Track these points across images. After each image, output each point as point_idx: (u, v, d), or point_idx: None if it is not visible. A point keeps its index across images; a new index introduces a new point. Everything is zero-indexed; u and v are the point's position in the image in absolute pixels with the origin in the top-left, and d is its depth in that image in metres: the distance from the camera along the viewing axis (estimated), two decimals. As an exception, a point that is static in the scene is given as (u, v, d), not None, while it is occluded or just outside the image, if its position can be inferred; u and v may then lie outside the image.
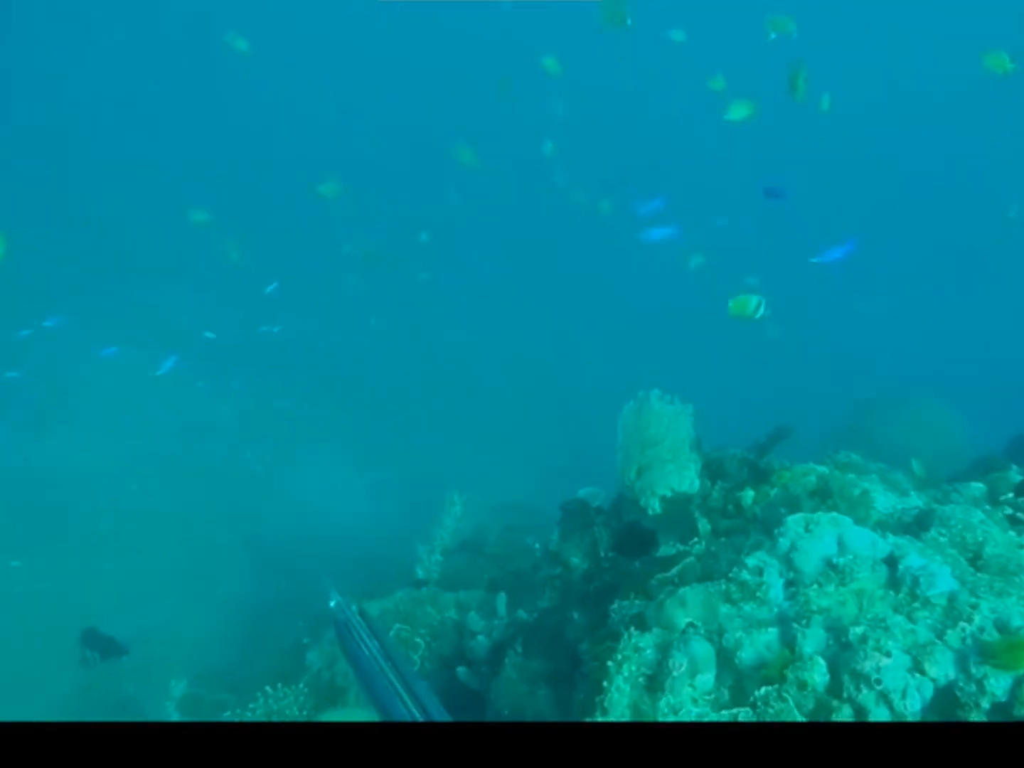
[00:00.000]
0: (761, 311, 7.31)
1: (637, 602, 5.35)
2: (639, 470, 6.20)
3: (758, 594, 4.73)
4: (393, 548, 12.69)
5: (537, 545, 10.49)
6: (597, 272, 22.71)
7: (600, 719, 3.93)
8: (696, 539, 6.34)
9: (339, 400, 19.94)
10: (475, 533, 11.38)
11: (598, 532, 6.38)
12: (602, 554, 6.26)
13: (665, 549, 5.92)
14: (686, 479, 6.31)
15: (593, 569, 6.23)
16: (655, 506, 6.17)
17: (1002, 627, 3.72)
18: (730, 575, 4.93)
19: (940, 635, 3.84)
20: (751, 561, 5.00)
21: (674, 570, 5.90)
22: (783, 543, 5.36)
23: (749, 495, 6.65)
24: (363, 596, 9.06)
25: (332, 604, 3.17)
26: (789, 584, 4.74)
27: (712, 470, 7.12)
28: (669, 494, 6.55)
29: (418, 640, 6.27)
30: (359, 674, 2.93)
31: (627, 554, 5.98)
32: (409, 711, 2.66)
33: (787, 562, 5.23)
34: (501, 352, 22.91)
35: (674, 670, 4.06)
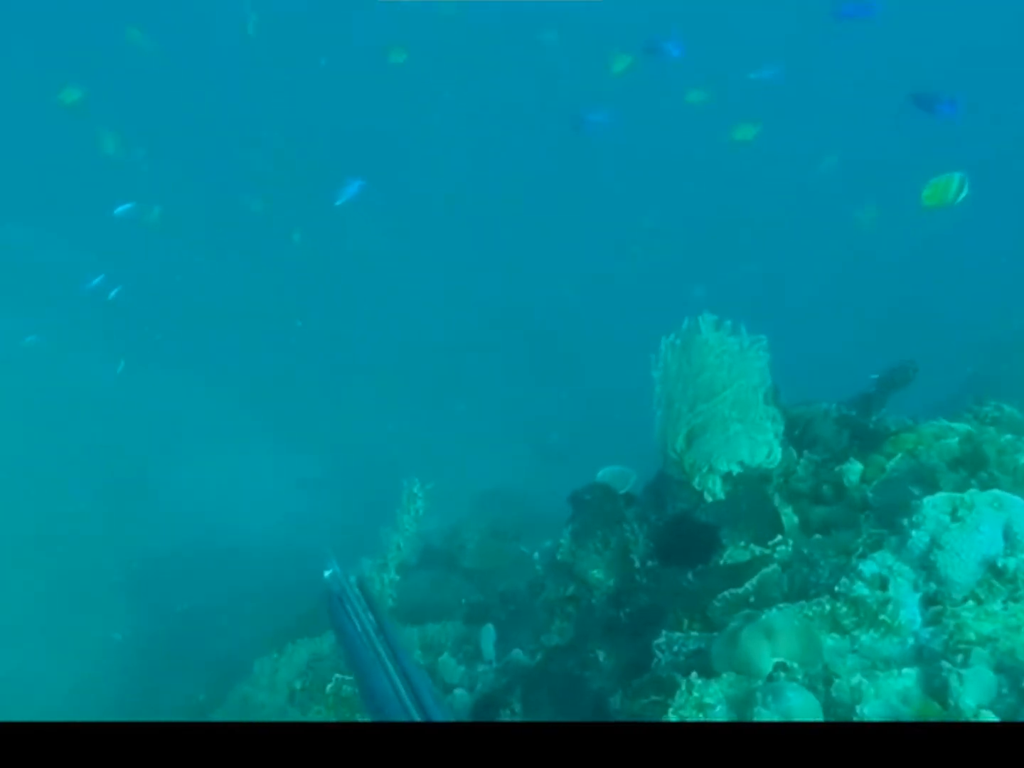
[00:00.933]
0: (965, 192, 7.28)
1: (695, 633, 5.26)
2: (689, 436, 6.07)
3: (883, 617, 4.47)
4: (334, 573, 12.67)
5: (537, 554, 10.49)
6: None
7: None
8: (780, 537, 5.99)
9: (261, 376, 20.66)
10: (446, 539, 11.04)
11: (630, 531, 6.27)
12: (637, 563, 6.12)
13: (733, 553, 5.82)
14: (762, 447, 6.16)
15: (625, 586, 6.13)
16: (715, 489, 6.05)
17: None
18: (837, 589, 4.70)
19: None
20: (868, 567, 4.74)
21: (749, 584, 5.59)
22: (917, 538, 4.94)
23: (855, 469, 6.28)
24: (285, 635, 9.39)
25: (327, 574, 3.51)
26: (929, 601, 4.55)
27: (795, 435, 6.84)
28: (736, 470, 6.19)
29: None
30: (350, 657, 3.24)
31: (676, 562, 5.88)
32: (404, 705, 2.86)
33: (925, 567, 4.83)
34: (473, 309, 24.53)
35: (761, 738, 3.41)
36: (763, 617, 4.65)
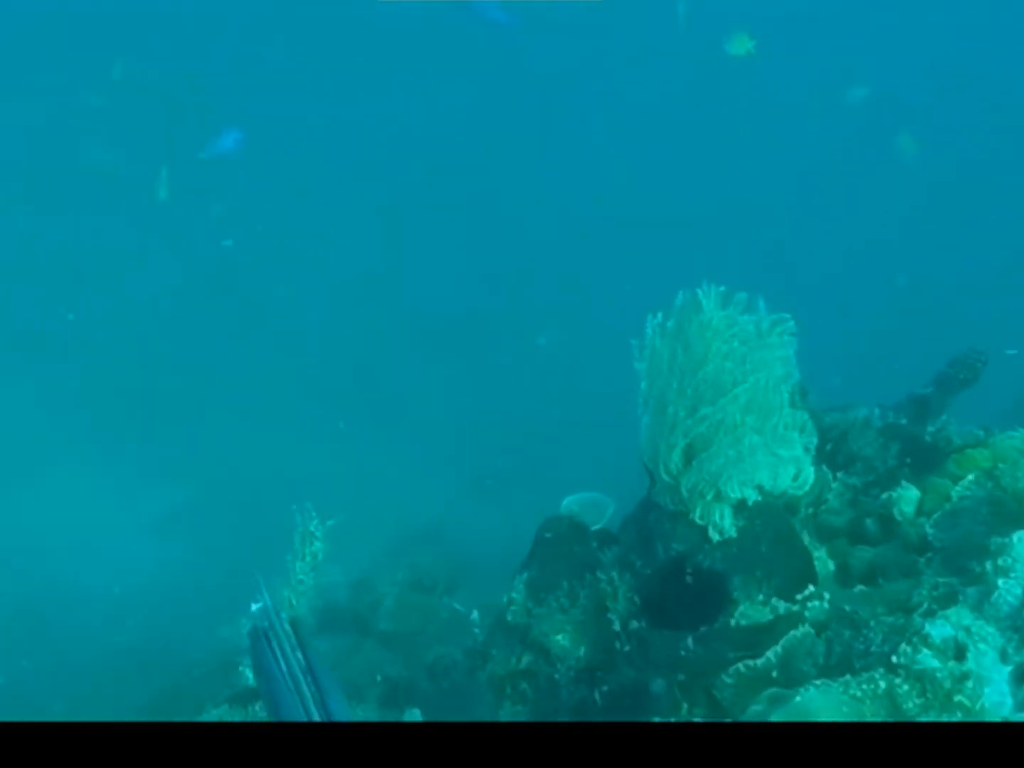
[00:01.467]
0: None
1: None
2: (688, 450, 5.86)
3: (959, 698, 4.31)
4: (199, 628, 12.85)
5: (475, 613, 10.33)
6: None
7: None
8: (812, 588, 5.84)
9: (112, 389, 20.53)
10: (355, 593, 10.64)
11: (607, 582, 6.12)
12: (617, 625, 5.99)
13: (748, 611, 5.74)
14: (787, 466, 5.93)
15: (600, 657, 6.06)
16: (724, 524, 5.87)
17: None
18: (895, 660, 4.55)
19: None
20: (939, 630, 4.59)
21: (771, 653, 5.45)
22: (1006, 590, 4.81)
23: (909, 497, 6.15)
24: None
25: (255, 608, 3.91)
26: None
27: (826, 451, 6.70)
28: (753, 497, 5.91)
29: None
30: (271, 700, 3.55)
31: (670, 623, 5.81)
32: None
33: (1016, 629, 4.69)
34: (390, 304, 25.04)
35: None
36: (797, 699, 4.57)
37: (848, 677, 4.61)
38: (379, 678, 9.29)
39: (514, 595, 6.54)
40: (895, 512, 5.99)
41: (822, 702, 4.51)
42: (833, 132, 30.09)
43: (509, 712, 6.43)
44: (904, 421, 6.83)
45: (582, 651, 6.14)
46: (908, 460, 6.36)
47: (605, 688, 5.98)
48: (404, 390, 21.36)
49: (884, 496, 6.11)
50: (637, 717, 5.61)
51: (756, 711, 4.78)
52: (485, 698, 6.71)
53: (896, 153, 23.42)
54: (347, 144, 30.79)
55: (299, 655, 3.64)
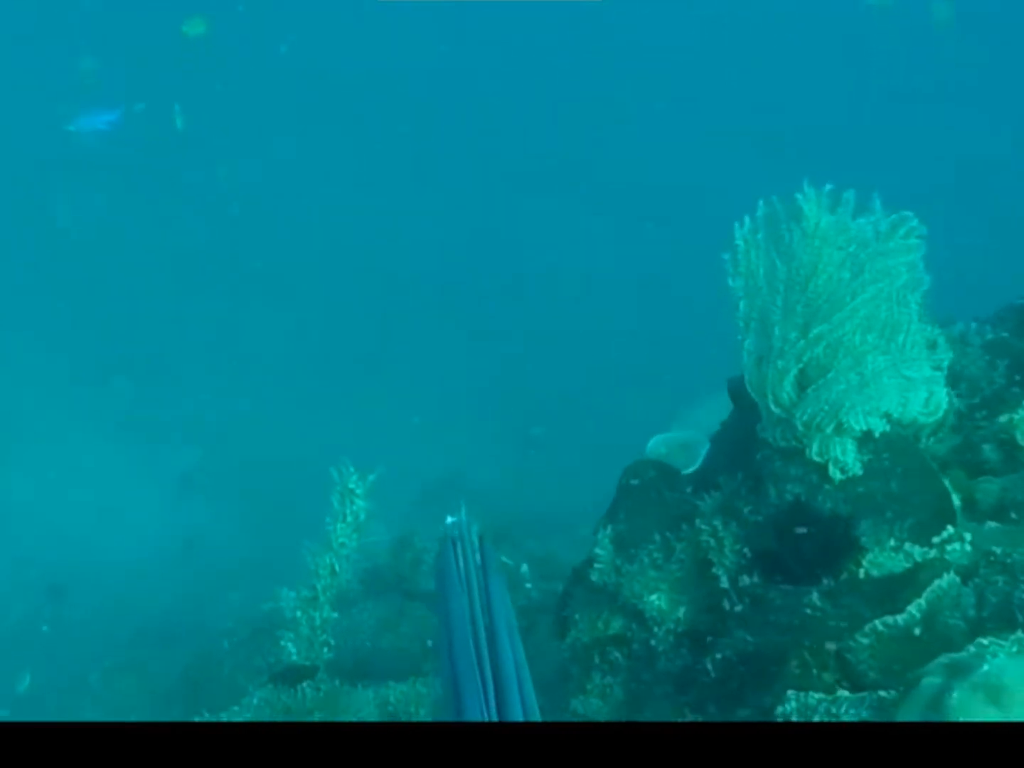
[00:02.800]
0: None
1: (845, 694, 4.52)
2: (801, 378, 5.15)
3: None
4: (228, 602, 12.71)
5: (525, 568, 10.02)
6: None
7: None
8: (951, 530, 5.10)
9: (118, 346, 20.12)
10: (394, 553, 10.01)
11: (710, 533, 5.46)
12: (726, 582, 5.33)
13: (880, 558, 5.04)
14: (918, 389, 5.19)
15: (707, 619, 5.43)
16: (847, 460, 5.16)
17: None
18: None
19: None
20: None
21: (914, 607, 4.74)
22: None
23: None
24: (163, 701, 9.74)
25: (450, 520, 3.83)
26: None
27: None
28: (880, 428, 5.14)
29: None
30: (440, 597, 3.59)
31: (789, 577, 5.16)
32: (481, 670, 3.18)
33: None
34: (410, 256, 24.40)
35: None
36: (984, 669, 3.86)
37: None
38: (430, 643, 8.51)
39: (599, 551, 5.84)
40: (1018, 436, 5.45)
41: (1018, 672, 3.78)
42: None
43: (598, 685, 5.75)
44: (1005, 334, 6.28)
45: (681, 612, 5.54)
46: (1018, 378, 5.86)
47: (718, 655, 5.16)
48: (425, 344, 20.71)
49: (1003, 419, 5.56)
50: (759, 689, 4.90)
51: (932, 685, 3.95)
52: (568, 669, 6.05)
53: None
54: (349, 96, 30.14)
55: (478, 561, 3.64)
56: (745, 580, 5.25)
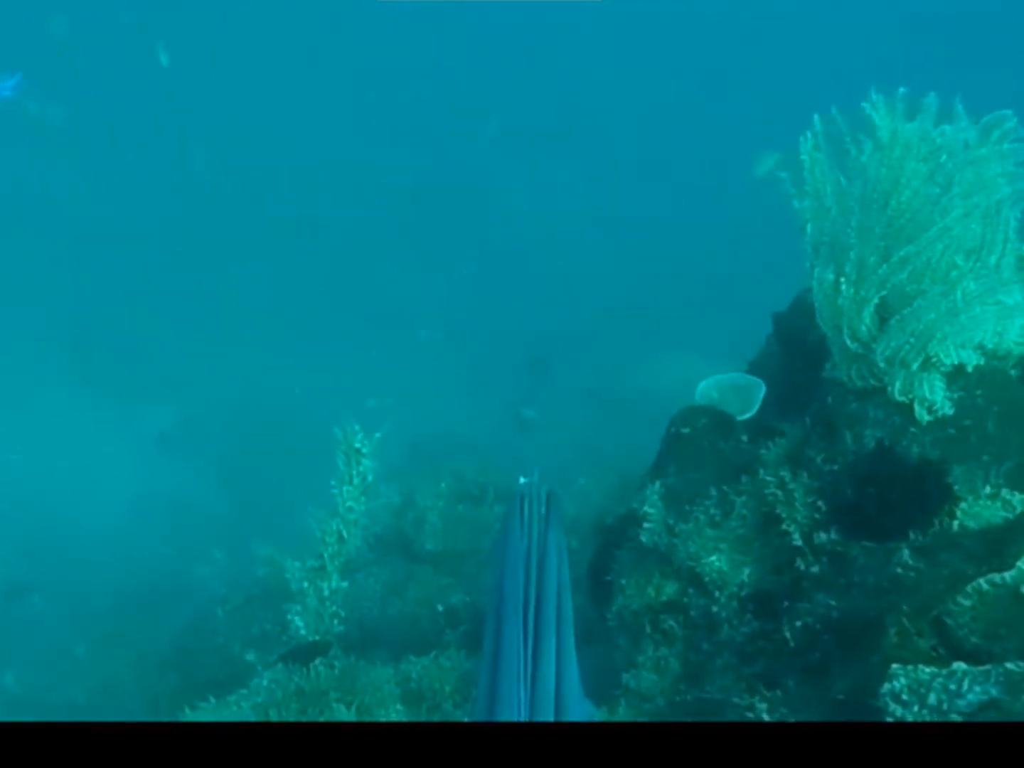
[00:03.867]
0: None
1: (964, 667, 3.93)
2: (883, 308, 4.61)
3: None
4: (215, 563, 12.16)
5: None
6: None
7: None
8: None
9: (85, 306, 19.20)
10: (396, 513, 9.35)
11: (778, 484, 4.87)
12: (799, 539, 4.77)
13: (974, 506, 4.49)
14: (1016, 317, 4.57)
15: (775, 584, 4.92)
16: (936, 398, 4.60)
17: None
18: None
19: None
20: None
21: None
22: None
23: None
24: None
25: (523, 480, 3.79)
26: None
27: None
28: (974, 361, 4.58)
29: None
30: (500, 549, 3.62)
31: (874, 531, 4.57)
32: (524, 626, 3.32)
33: None
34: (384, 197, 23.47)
35: None
36: None
37: None
38: (440, 608, 8.01)
39: (648, 509, 5.25)
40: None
41: None
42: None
43: (651, 657, 5.19)
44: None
45: (745, 574, 4.98)
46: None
47: (798, 623, 4.55)
48: (403, 297, 20.11)
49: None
50: (850, 661, 4.35)
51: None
52: (615, 640, 5.54)
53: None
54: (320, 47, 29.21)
55: (543, 513, 3.64)
56: (821, 537, 4.66)
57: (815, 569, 4.62)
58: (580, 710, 3.32)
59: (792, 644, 4.51)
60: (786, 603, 4.67)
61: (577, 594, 8.03)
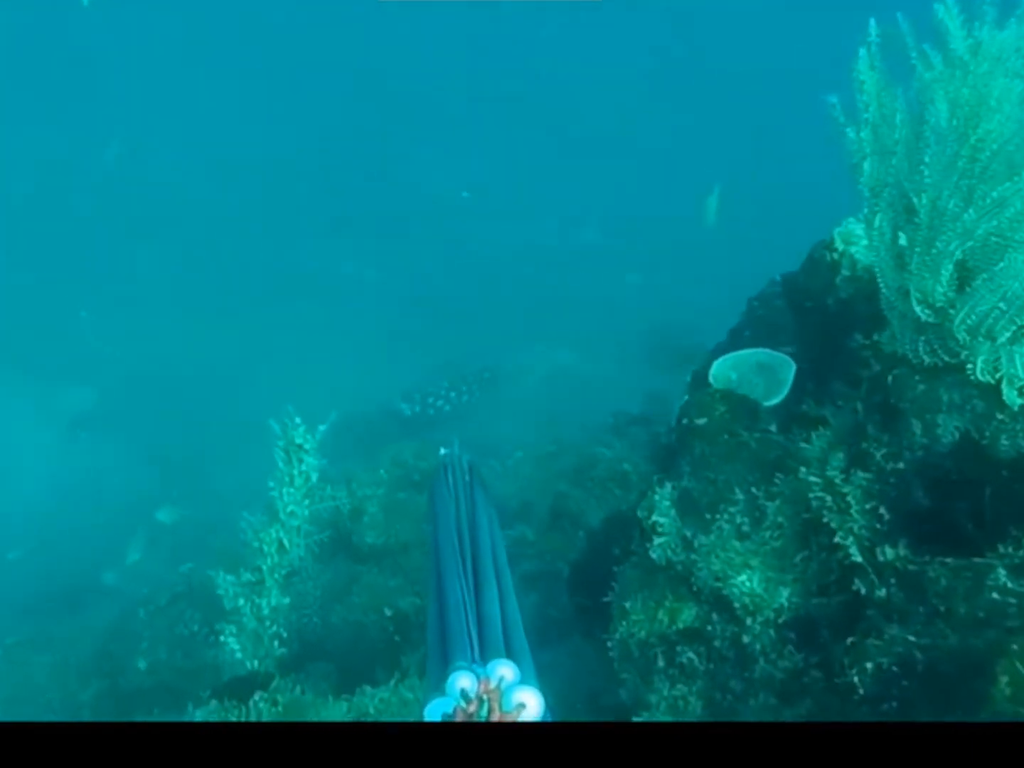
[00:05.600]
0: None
1: None
2: (963, 269, 3.65)
3: None
4: (141, 566, 11.12)
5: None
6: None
7: None
8: None
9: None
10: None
11: (825, 485, 3.93)
12: (857, 554, 3.78)
13: None
14: None
15: (828, 608, 3.95)
16: None
17: None
18: None
19: None
20: None
21: None
22: None
23: None
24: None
25: (443, 451, 4.12)
26: None
27: None
28: None
29: None
30: (432, 509, 3.91)
31: (958, 546, 3.58)
32: (464, 577, 3.47)
33: None
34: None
35: None
36: None
37: None
38: (389, 613, 7.07)
39: (659, 519, 4.26)
40: None
41: None
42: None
43: (667, 697, 4.22)
44: None
45: (785, 597, 4.02)
46: None
47: (869, 665, 3.50)
48: (333, 268, 19.33)
49: None
50: (944, 708, 3.36)
51: None
52: (614, 669, 4.56)
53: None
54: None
55: (466, 481, 3.92)
56: (887, 552, 3.66)
57: (881, 593, 3.63)
58: (527, 647, 3.32)
59: (861, 689, 3.47)
60: (850, 639, 3.63)
61: (533, 592, 7.19)
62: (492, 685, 3.08)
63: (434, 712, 3.14)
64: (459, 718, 2.99)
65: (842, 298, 4.48)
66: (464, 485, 3.88)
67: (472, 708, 2.99)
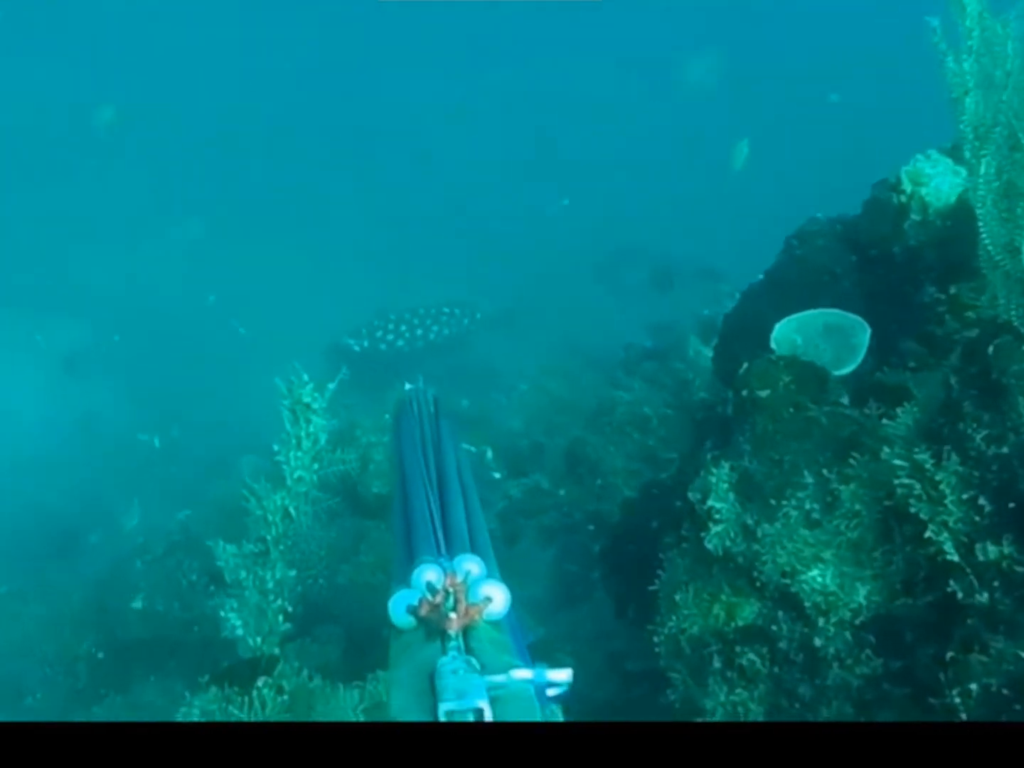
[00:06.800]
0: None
1: None
2: None
3: None
4: (132, 502, 10.70)
5: (490, 454, 8.77)
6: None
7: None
8: None
9: None
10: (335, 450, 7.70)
11: (912, 469, 3.36)
12: (952, 551, 3.25)
13: None
14: None
15: (914, 609, 3.46)
16: None
17: None
18: None
19: None
20: None
21: None
22: None
23: None
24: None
25: (408, 387, 4.22)
26: None
27: None
28: None
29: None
30: (397, 438, 3.98)
31: None
32: (429, 485, 3.56)
33: None
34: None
35: None
36: None
37: None
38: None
39: (716, 503, 3.70)
40: None
41: None
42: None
43: (724, 703, 3.72)
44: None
45: (863, 595, 3.50)
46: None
47: (973, 686, 2.99)
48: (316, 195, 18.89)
49: None
50: None
51: None
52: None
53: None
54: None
55: (431, 412, 4.01)
56: (990, 551, 3.12)
57: (983, 598, 3.08)
58: (492, 551, 3.33)
59: (964, 715, 2.97)
60: (951, 654, 3.09)
61: (551, 546, 6.74)
62: (459, 579, 3.09)
63: (399, 604, 3.11)
64: (424, 610, 2.98)
65: (911, 246, 3.95)
66: (429, 416, 3.97)
67: (438, 599, 2.98)
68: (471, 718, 2.65)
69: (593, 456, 7.53)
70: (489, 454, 8.70)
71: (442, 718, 2.63)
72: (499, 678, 2.79)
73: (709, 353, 6.66)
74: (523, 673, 2.83)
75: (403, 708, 2.86)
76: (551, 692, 2.84)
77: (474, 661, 2.82)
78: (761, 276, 5.27)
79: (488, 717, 2.64)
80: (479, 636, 2.90)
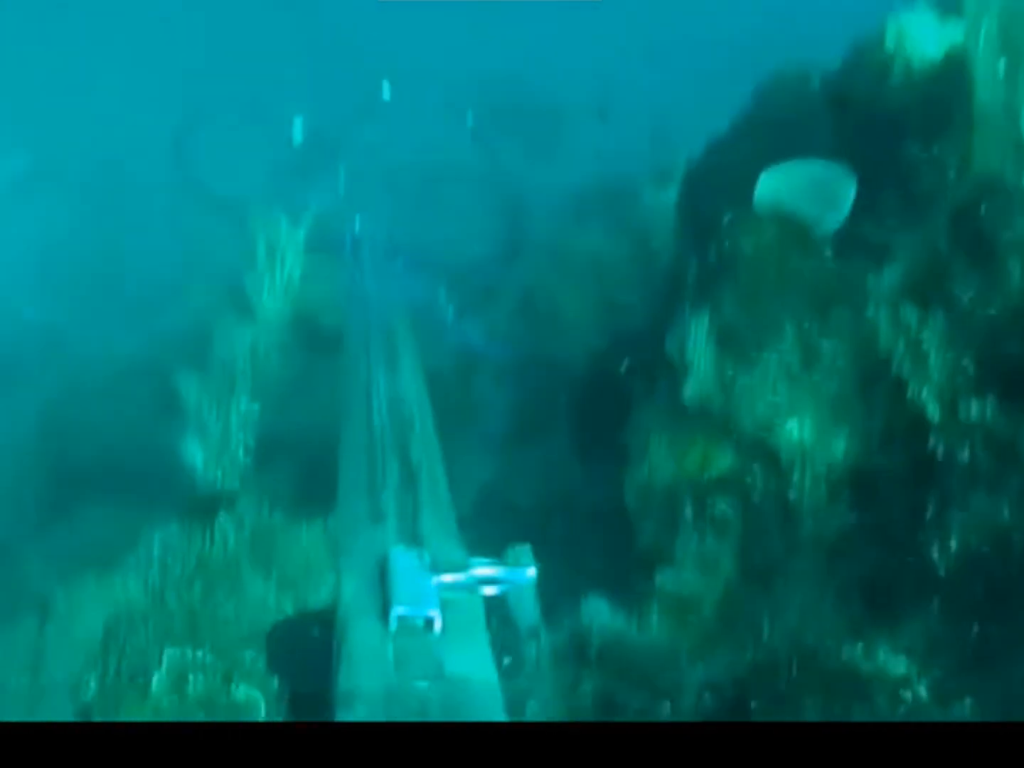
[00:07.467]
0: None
1: None
2: None
3: None
4: (88, 326, 10.39)
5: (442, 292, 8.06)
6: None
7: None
8: None
9: None
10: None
11: (897, 327, 3.41)
12: (935, 412, 3.32)
13: None
14: None
15: (890, 463, 3.48)
16: None
17: None
18: None
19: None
20: None
21: None
22: None
23: None
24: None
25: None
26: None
27: None
28: None
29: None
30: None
31: None
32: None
33: None
34: None
35: None
36: None
37: None
38: None
39: (691, 358, 3.73)
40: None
41: None
42: None
43: (695, 552, 3.79)
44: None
45: (840, 449, 3.55)
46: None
47: (953, 543, 3.14)
48: None
49: None
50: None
51: None
52: None
53: None
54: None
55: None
56: (972, 409, 3.16)
57: (964, 456, 3.15)
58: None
59: (942, 573, 3.03)
60: (916, 503, 3.20)
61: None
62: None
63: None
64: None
65: (895, 101, 3.88)
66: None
67: None
68: (420, 625, 2.42)
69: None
70: (441, 294, 8.25)
71: (393, 623, 2.40)
72: (453, 578, 2.48)
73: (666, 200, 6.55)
74: (484, 571, 2.68)
75: (355, 598, 2.55)
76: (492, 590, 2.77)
77: (426, 556, 2.53)
78: (727, 124, 5.17)
79: (438, 627, 2.38)
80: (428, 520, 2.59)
